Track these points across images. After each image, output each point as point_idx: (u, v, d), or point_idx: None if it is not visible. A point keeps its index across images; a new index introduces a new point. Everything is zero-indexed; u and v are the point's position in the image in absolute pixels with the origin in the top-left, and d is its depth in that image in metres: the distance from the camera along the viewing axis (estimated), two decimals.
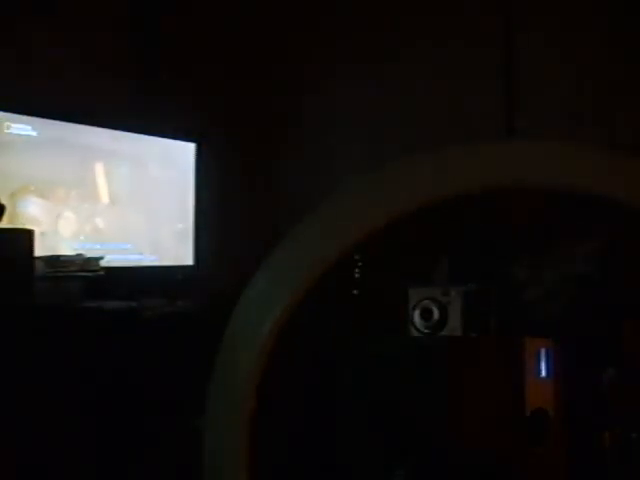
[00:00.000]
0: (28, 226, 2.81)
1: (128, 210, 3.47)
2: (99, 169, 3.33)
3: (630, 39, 3.26)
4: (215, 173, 3.76)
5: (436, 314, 1.73)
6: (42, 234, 2.97)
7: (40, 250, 2.80)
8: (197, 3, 3.89)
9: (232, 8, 3.86)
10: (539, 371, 1.61)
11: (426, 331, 1.74)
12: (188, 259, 3.70)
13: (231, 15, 3.87)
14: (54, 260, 2.93)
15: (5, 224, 2.69)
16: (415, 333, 1.75)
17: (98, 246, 3.30)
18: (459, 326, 1.75)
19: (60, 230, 3.19)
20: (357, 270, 1.78)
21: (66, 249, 3.13)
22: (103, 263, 3.19)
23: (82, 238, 3.26)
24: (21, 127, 3.01)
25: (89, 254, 3.13)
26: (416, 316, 1.74)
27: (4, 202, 2.71)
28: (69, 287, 2.90)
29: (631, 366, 1.60)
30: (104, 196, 3.37)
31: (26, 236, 2.64)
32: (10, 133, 2.97)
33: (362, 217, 0.82)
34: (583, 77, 3.32)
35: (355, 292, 1.81)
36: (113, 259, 3.33)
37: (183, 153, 3.69)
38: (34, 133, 3.05)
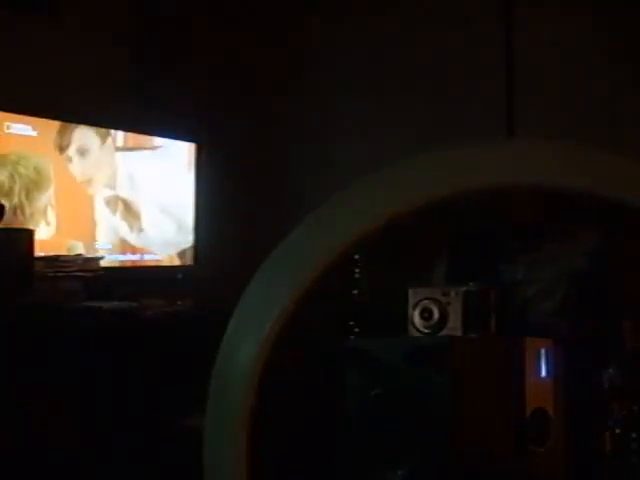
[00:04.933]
0: None
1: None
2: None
3: (631, 39, 3.26)
4: (215, 173, 3.76)
5: (436, 314, 1.73)
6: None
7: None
8: (197, 3, 3.89)
9: (232, 8, 3.86)
10: (539, 371, 1.61)
11: (426, 331, 1.74)
12: (188, 259, 3.71)
13: (231, 15, 3.87)
14: (54, 260, 2.93)
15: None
16: (415, 333, 1.75)
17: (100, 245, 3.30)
18: (459, 326, 1.75)
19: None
20: (357, 270, 1.78)
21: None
22: (103, 263, 3.20)
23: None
24: (21, 127, 3.01)
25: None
26: (416, 316, 1.74)
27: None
28: (69, 287, 2.90)
29: (631, 366, 1.60)
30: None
31: (26, 236, 2.64)
32: (10, 133, 2.97)
33: (362, 217, 0.82)
34: (583, 77, 3.32)
35: (355, 292, 1.81)
36: (113, 259, 3.34)
37: (183, 153, 3.69)
38: (34, 133, 3.06)
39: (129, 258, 3.45)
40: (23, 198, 2.96)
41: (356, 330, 1.72)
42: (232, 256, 3.60)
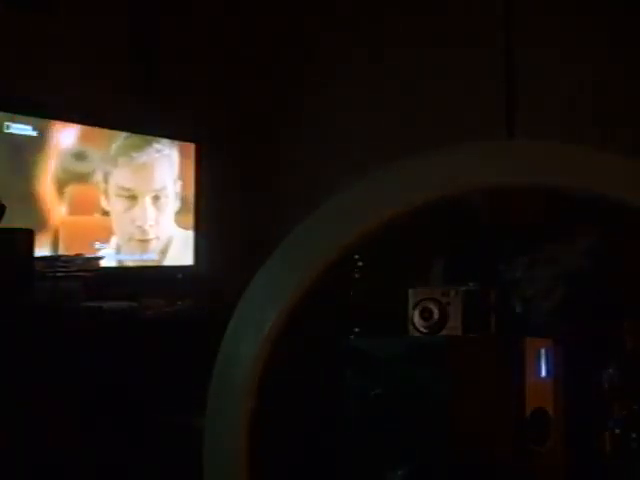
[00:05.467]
0: None
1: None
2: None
3: (630, 39, 3.26)
4: (215, 173, 3.76)
5: (436, 314, 1.73)
6: None
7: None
8: (197, 3, 3.89)
9: (232, 9, 3.86)
10: (539, 371, 1.61)
11: (426, 331, 1.73)
12: (188, 259, 3.70)
13: (231, 15, 3.87)
14: (54, 260, 2.93)
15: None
16: (415, 333, 1.75)
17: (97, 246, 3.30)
18: (459, 326, 1.75)
19: None
20: (357, 270, 1.78)
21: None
22: (103, 263, 3.20)
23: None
24: (21, 127, 3.01)
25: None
26: (416, 316, 1.74)
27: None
28: (69, 287, 2.90)
29: (631, 366, 1.60)
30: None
31: (26, 236, 2.64)
32: (10, 133, 2.97)
33: (362, 217, 0.82)
34: (583, 77, 3.32)
35: (354, 292, 1.81)
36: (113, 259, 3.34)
37: (183, 153, 3.69)
38: (34, 133, 3.06)
39: (130, 257, 3.45)
40: None
41: (356, 330, 1.72)
42: (232, 256, 3.60)
